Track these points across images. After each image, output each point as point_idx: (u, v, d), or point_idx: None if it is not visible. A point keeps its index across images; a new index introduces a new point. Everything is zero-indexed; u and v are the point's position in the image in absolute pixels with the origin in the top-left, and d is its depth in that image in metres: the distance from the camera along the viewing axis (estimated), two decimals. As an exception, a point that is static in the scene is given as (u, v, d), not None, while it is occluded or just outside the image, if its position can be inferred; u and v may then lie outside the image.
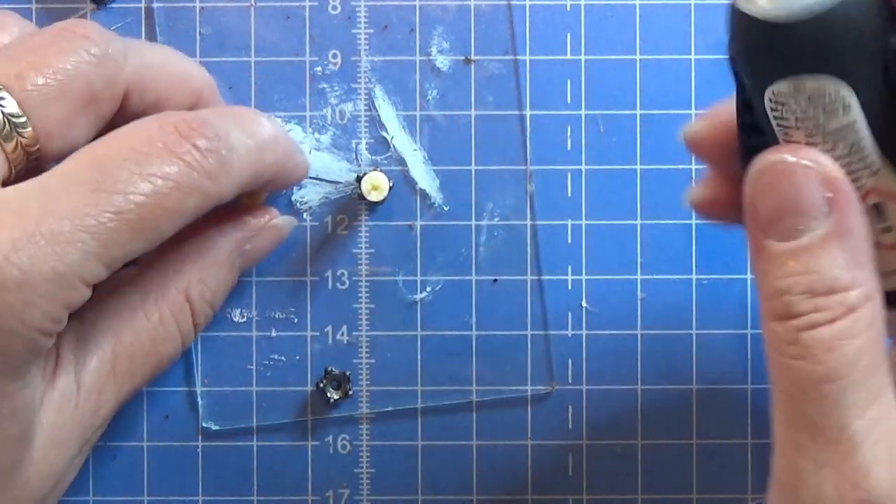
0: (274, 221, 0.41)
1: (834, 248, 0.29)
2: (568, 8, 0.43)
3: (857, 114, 0.28)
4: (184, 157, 0.34)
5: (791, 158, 0.29)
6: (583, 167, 0.42)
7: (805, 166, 0.29)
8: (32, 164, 0.34)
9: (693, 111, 0.42)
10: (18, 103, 0.33)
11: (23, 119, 0.33)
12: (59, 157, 0.34)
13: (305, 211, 0.43)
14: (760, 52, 0.28)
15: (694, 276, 0.42)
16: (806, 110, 0.28)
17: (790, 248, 0.29)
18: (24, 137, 0.34)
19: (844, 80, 0.28)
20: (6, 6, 0.42)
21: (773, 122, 0.29)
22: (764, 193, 0.30)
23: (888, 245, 0.31)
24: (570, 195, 0.43)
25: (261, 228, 0.40)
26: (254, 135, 0.37)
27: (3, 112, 0.33)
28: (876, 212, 0.30)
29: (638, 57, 0.43)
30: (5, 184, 0.33)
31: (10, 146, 0.33)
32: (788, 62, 0.28)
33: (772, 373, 0.30)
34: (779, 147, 0.30)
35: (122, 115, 0.37)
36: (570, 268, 0.43)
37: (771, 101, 0.29)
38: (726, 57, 0.29)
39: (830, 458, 0.29)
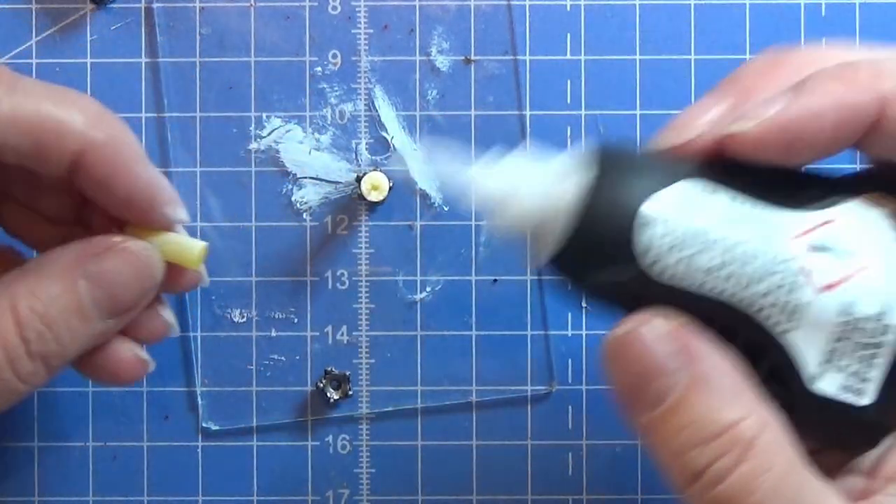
0: (127, 244, 0.35)
1: (702, 394, 0.28)
2: (568, 8, 0.43)
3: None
4: None
5: (625, 331, 0.29)
6: (583, 167, 0.42)
7: (640, 334, 0.29)
8: None
9: (693, 111, 0.42)
10: None
11: None
12: None
13: (305, 211, 0.43)
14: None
15: (694, 276, 0.42)
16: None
17: (664, 412, 0.29)
18: None
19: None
20: (6, 6, 0.42)
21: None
22: (619, 373, 0.29)
23: None
24: (570, 195, 0.42)
25: (108, 248, 0.35)
26: (65, 95, 0.35)
27: None
28: None
29: (638, 57, 0.43)
30: None
31: None
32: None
33: None
34: (615, 326, 0.30)
35: None
36: (570, 268, 0.42)
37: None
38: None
39: None
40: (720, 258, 0.28)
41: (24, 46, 0.42)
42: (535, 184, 0.30)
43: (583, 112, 0.43)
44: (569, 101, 0.43)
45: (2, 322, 0.34)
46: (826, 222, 0.29)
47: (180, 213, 0.36)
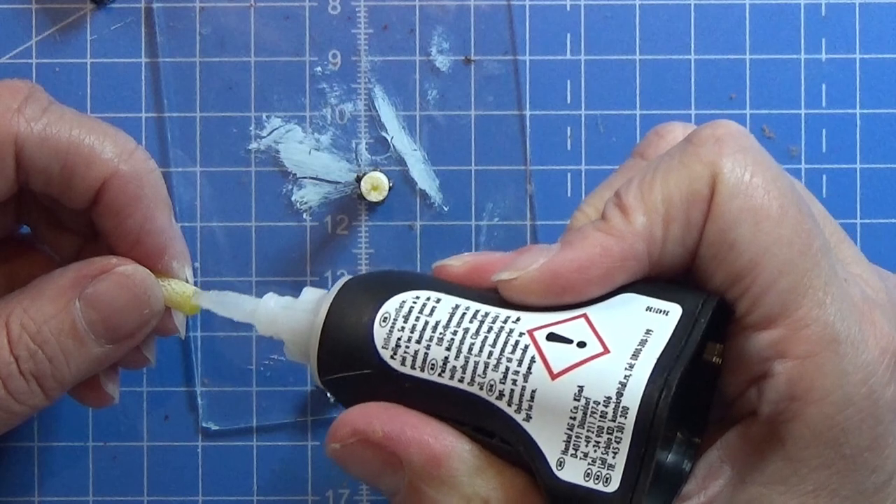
0: (122, 268, 0.35)
1: (424, 489, 0.30)
2: (568, 8, 0.43)
3: None
4: None
5: (343, 438, 0.31)
6: (583, 167, 0.42)
7: (354, 440, 0.30)
8: None
9: (693, 111, 0.42)
10: None
11: None
12: None
13: (305, 211, 0.43)
14: None
15: (694, 276, 0.42)
16: None
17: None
18: None
19: None
20: (6, 6, 0.42)
21: None
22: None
23: None
24: (569, 195, 0.43)
25: (104, 270, 0.35)
26: (100, 125, 0.36)
27: None
28: None
29: (638, 57, 0.43)
30: None
31: None
32: None
33: None
34: (337, 427, 0.31)
35: (20, 176, 0.35)
36: (570, 268, 0.42)
37: None
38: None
39: None
40: (457, 345, 0.30)
41: (24, 46, 0.42)
42: (292, 318, 0.33)
43: (583, 112, 0.43)
44: (569, 101, 0.43)
45: None
46: (575, 317, 0.30)
47: (188, 271, 0.37)
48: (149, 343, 0.38)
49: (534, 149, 0.42)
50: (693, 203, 0.30)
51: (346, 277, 0.32)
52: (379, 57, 0.43)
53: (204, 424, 0.42)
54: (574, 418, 0.28)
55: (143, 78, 0.43)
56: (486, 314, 0.30)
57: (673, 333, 0.29)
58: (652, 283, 0.30)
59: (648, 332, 0.29)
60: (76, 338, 0.34)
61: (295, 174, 0.43)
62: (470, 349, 0.30)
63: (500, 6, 0.43)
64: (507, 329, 0.30)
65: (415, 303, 0.30)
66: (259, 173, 0.43)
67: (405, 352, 0.30)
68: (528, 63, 0.43)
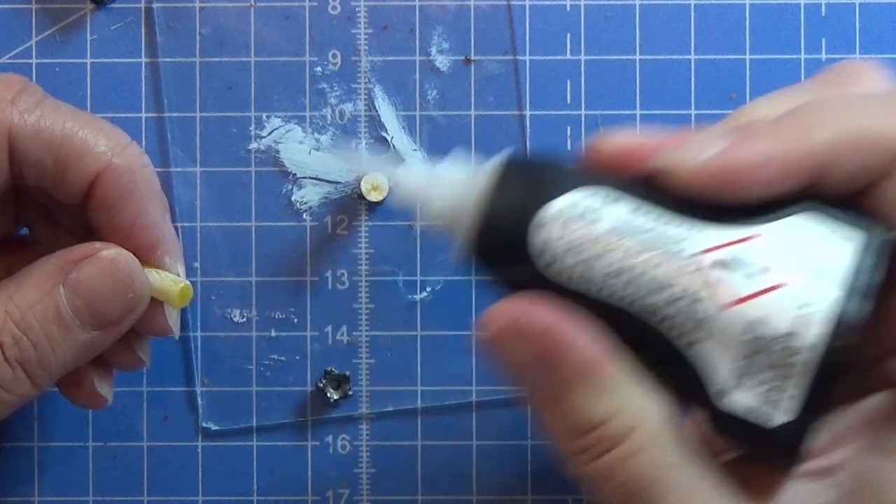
0: (105, 252, 0.35)
1: (579, 388, 0.29)
2: (568, 8, 0.43)
3: None
4: None
5: (509, 318, 0.29)
6: (583, 167, 0.42)
7: (522, 324, 0.29)
8: None
9: (693, 111, 0.42)
10: None
11: None
12: None
13: (305, 211, 0.43)
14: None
15: (694, 276, 0.42)
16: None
17: (541, 401, 0.30)
18: None
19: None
20: (6, 6, 0.42)
21: None
22: (498, 356, 0.30)
23: None
24: (570, 195, 0.42)
25: (87, 255, 0.35)
26: (96, 120, 0.36)
27: None
28: None
29: (638, 57, 0.43)
30: None
31: None
32: None
33: None
34: (500, 307, 0.29)
35: (14, 168, 0.35)
36: (570, 268, 0.42)
37: None
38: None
39: None
40: (618, 265, 0.28)
41: (24, 46, 0.42)
42: (447, 186, 0.31)
43: (583, 112, 0.43)
44: (569, 101, 0.43)
45: None
46: (747, 238, 0.28)
47: (180, 268, 0.37)
48: (142, 344, 0.38)
49: (534, 149, 0.42)
50: (877, 153, 0.28)
51: (503, 155, 0.30)
52: (379, 57, 0.43)
53: (204, 424, 0.42)
54: (742, 351, 0.27)
55: (143, 78, 0.43)
56: (652, 230, 0.28)
57: (858, 264, 0.27)
58: (825, 204, 0.28)
59: (828, 259, 0.27)
60: (61, 323, 0.34)
61: (295, 174, 0.43)
62: (631, 270, 0.28)
63: (500, 6, 0.43)
64: (674, 250, 0.28)
65: (573, 210, 0.28)
66: (259, 173, 0.43)
67: (561, 266, 0.28)
68: (528, 63, 0.43)
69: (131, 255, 0.35)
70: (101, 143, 0.35)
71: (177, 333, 0.38)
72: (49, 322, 0.34)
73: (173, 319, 0.37)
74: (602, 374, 0.28)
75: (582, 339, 0.28)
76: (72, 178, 0.35)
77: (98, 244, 0.35)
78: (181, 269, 0.37)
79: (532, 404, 0.30)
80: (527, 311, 0.29)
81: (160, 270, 0.36)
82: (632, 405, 0.29)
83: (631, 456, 0.28)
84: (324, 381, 0.42)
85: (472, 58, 0.43)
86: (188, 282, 0.36)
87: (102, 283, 0.35)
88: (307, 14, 0.43)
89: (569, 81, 0.43)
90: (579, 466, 0.29)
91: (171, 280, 0.36)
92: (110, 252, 0.35)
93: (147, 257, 0.36)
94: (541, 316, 0.29)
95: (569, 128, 0.43)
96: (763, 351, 0.27)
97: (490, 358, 0.30)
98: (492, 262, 0.30)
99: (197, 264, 0.42)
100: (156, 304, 0.37)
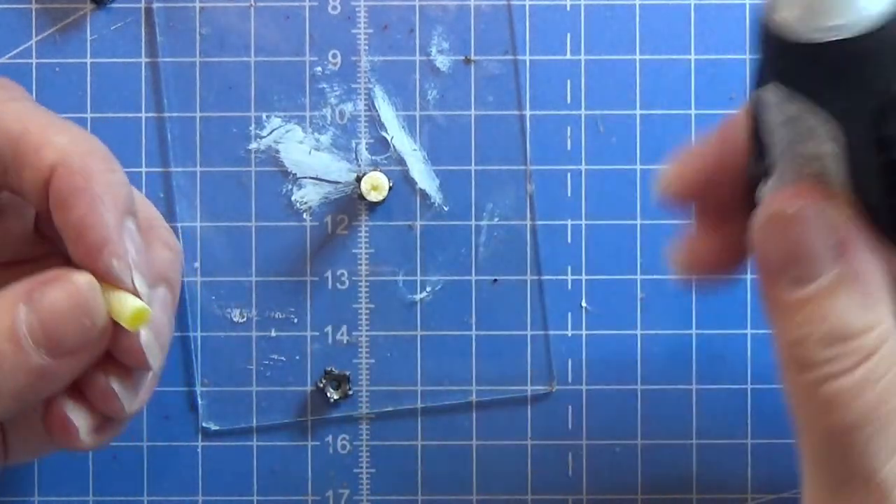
0: (73, 276, 0.33)
1: (844, 293, 0.28)
2: (568, 8, 0.43)
3: (834, 148, 0.28)
4: None
5: (795, 207, 0.29)
6: (582, 167, 0.42)
7: (809, 214, 0.28)
8: None
9: (693, 111, 0.42)
10: None
11: None
12: None
13: (305, 211, 0.43)
14: (786, 67, 0.27)
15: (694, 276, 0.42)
16: (787, 127, 0.28)
17: (800, 298, 0.29)
18: None
19: (837, 113, 0.27)
20: (6, 6, 0.42)
21: (763, 129, 0.29)
22: (770, 242, 0.29)
23: None
24: (569, 195, 0.43)
25: (55, 278, 0.33)
26: (53, 115, 0.35)
27: None
28: None
29: (638, 57, 0.43)
30: None
31: None
32: (795, 77, 0.27)
33: (795, 424, 0.29)
34: (783, 193, 0.29)
35: None
36: (570, 268, 0.43)
37: (764, 103, 0.28)
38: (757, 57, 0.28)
39: None
40: None
41: (24, 46, 0.42)
42: None
43: (583, 112, 0.43)
44: (569, 101, 0.43)
45: None
46: None
47: (136, 277, 0.34)
48: (129, 384, 0.35)
49: (534, 149, 0.42)
50: None
51: None
52: (379, 57, 0.43)
53: (204, 424, 0.42)
54: None
55: (143, 78, 0.43)
56: None
57: None
58: None
59: None
60: (14, 342, 0.33)
61: (295, 174, 0.43)
62: None
63: (500, 6, 0.43)
64: None
65: None
66: (259, 173, 0.43)
67: None
68: (528, 63, 0.43)
69: (96, 282, 0.34)
70: (59, 139, 0.34)
71: (155, 366, 0.35)
72: (3, 339, 0.33)
73: (149, 349, 0.35)
74: (874, 283, 0.28)
75: (864, 246, 0.28)
76: (28, 175, 0.33)
77: (73, 271, 0.34)
78: (137, 279, 0.34)
79: (777, 303, 0.29)
80: (819, 205, 0.28)
81: (122, 292, 0.34)
82: (886, 322, 0.28)
83: (879, 376, 0.28)
84: (324, 381, 0.42)
85: (472, 58, 0.43)
86: (144, 304, 0.34)
87: (61, 305, 0.33)
88: (307, 14, 0.43)
89: (569, 81, 0.43)
90: (818, 383, 0.28)
91: (129, 301, 0.34)
92: (78, 277, 0.33)
93: (95, 259, 0.34)
94: (833, 214, 0.28)
95: (569, 128, 0.43)
96: None
97: (765, 240, 0.29)
98: (830, 77, 0.26)
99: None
100: (126, 330, 0.34)
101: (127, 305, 0.33)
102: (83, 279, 0.33)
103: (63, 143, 0.34)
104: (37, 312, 0.33)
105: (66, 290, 0.33)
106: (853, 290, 0.28)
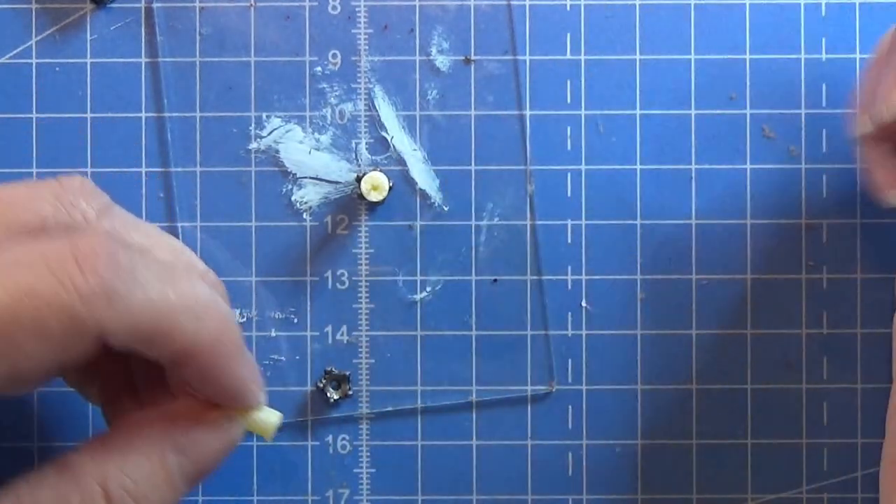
0: (222, 422, 0.36)
1: None
2: (568, 8, 0.43)
3: None
4: (54, 268, 0.31)
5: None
6: (583, 167, 0.42)
7: None
8: None
9: (693, 111, 0.42)
10: None
11: None
12: None
13: (305, 211, 0.43)
14: None
15: (694, 276, 0.42)
16: None
17: None
18: None
19: None
20: (6, 6, 0.42)
21: None
22: None
23: None
24: (570, 195, 0.43)
25: (200, 421, 0.36)
26: (177, 287, 0.33)
27: None
28: None
29: (638, 57, 0.43)
30: None
31: None
32: None
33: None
34: None
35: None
36: (570, 268, 0.43)
37: None
38: None
39: None
40: None
41: (24, 46, 0.42)
42: None
43: (583, 112, 0.43)
44: (569, 101, 0.43)
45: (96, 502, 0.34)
46: None
47: (264, 398, 0.37)
48: (222, 417, 0.38)
49: (534, 149, 0.42)
50: None
51: None
52: (379, 57, 0.43)
53: (204, 424, 0.42)
54: None
55: (143, 78, 0.43)
56: None
57: None
58: None
59: None
60: (171, 487, 0.35)
61: (295, 174, 0.43)
62: None
63: (500, 6, 0.43)
64: None
65: None
66: (259, 173, 0.43)
67: None
68: (528, 63, 0.43)
69: (235, 414, 0.37)
70: (188, 322, 0.34)
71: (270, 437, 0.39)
72: (161, 489, 0.35)
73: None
74: None
75: None
76: (157, 354, 0.34)
77: (201, 407, 0.36)
78: (265, 397, 0.37)
79: None
80: None
81: (256, 412, 0.37)
82: None
83: None
84: (324, 381, 0.42)
85: (472, 58, 0.43)
86: (280, 414, 0.38)
87: (213, 448, 0.36)
88: (307, 14, 0.43)
89: (569, 81, 0.43)
90: None
91: (266, 420, 0.38)
92: (230, 423, 0.36)
93: (235, 404, 0.37)
94: None
95: (569, 128, 0.43)
96: None
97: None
98: None
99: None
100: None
101: (267, 424, 0.38)
102: (232, 423, 0.37)
103: (192, 327, 0.34)
104: (191, 459, 0.36)
105: (218, 435, 0.36)
106: None
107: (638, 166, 0.42)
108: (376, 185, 0.42)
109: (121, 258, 0.32)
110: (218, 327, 0.35)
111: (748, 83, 0.42)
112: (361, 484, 0.43)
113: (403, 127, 0.43)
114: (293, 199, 0.43)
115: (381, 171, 0.42)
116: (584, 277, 0.42)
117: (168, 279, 0.33)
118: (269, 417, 0.38)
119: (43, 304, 0.31)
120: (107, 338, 0.32)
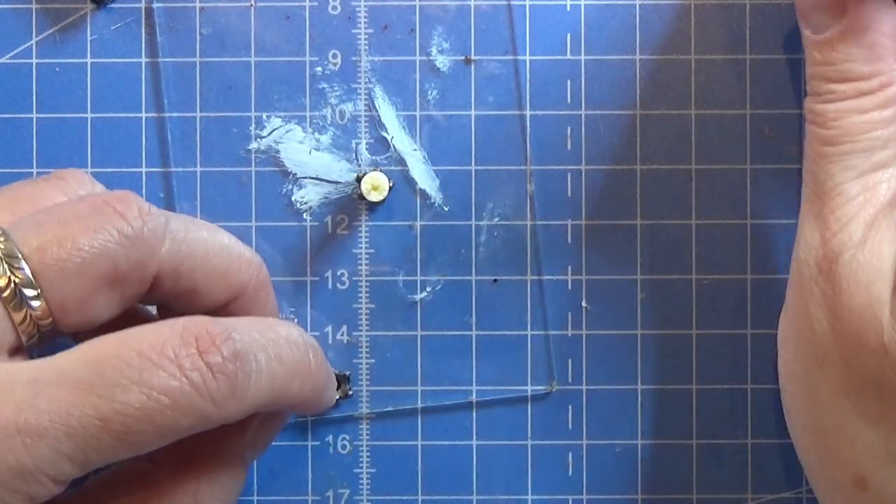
0: (279, 414, 0.39)
1: (850, 44, 0.35)
2: (568, 8, 0.43)
3: None
4: (191, 376, 0.32)
5: None
6: (583, 167, 0.42)
7: None
8: (48, 334, 0.33)
9: (693, 111, 0.42)
10: (34, 275, 0.32)
11: (35, 292, 0.32)
12: (78, 331, 0.34)
13: (305, 211, 0.43)
14: None
15: (694, 276, 0.42)
16: None
17: (815, 41, 0.36)
18: (34, 310, 0.32)
19: None
20: (6, 6, 0.42)
21: None
22: None
23: None
24: (570, 195, 0.43)
25: (264, 420, 0.38)
26: (285, 361, 0.35)
27: (15, 282, 0.32)
28: None
29: (638, 57, 0.43)
30: (15, 352, 0.33)
31: (19, 316, 0.32)
32: None
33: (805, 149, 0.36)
34: None
35: (152, 295, 0.35)
36: (570, 268, 0.43)
37: None
38: None
39: (821, 209, 0.36)
40: None
41: (24, 46, 0.42)
42: None
43: (583, 112, 0.43)
44: (569, 101, 0.43)
45: None
46: None
47: None
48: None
49: (534, 149, 0.42)
50: None
51: None
52: (379, 57, 0.43)
53: (204, 424, 0.42)
54: None
55: (143, 78, 0.43)
56: None
57: None
58: None
59: None
60: (244, 478, 0.38)
61: (295, 174, 0.43)
62: None
63: (500, 6, 0.43)
64: None
65: None
66: (259, 173, 0.43)
67: None
68: (528, 63, 0.43)
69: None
70: (242, 269, 0.37)
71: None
72: (239, 485, 0.38)
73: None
74: (881, 39, 0.36)
75: (871, 3, 0.35)
76: (204, 302, 0.36)
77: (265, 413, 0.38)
78: None
79: (805, 41, 0.37)
80: None
81: None
82: (889, 73, 0.36)
83: (866, 110, 0.36)
84: (324, 381, 0.42)
85: (472, 58, 0.43)
86: None
87: (275, 434, 0.39)
88: (307, 14, 0.43)
89: (569, 81, 0.43)
90: (817, 103, 0.37)
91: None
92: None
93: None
94: None
95: (569, 128, 0.43)
96: None
97: None
98: None
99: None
100: None
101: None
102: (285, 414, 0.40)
103: (245, 261, 0.38)
104: (260, 448, 0.39)
105: (279, 425, 0.40)
106: (858, 43, 0.35)
107: (638, 166, 0.42)
108: (376, 185, 0.42)
109: (242, 342, 0.33)
110: (317, 381, 0.37)
111: (748, 83, 0.42)
112: (361, 484, 0.43)
113: (403, 127, 0.43)
114: (293, 199, 0.43)
115: (381, 171, 0.42)
116: (584, 277, 0.42)
117: (277, 346, 0.35)
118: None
119: (179, 415, 0.32)
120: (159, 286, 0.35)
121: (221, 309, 0.37)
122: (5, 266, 0.32)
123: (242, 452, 0.37)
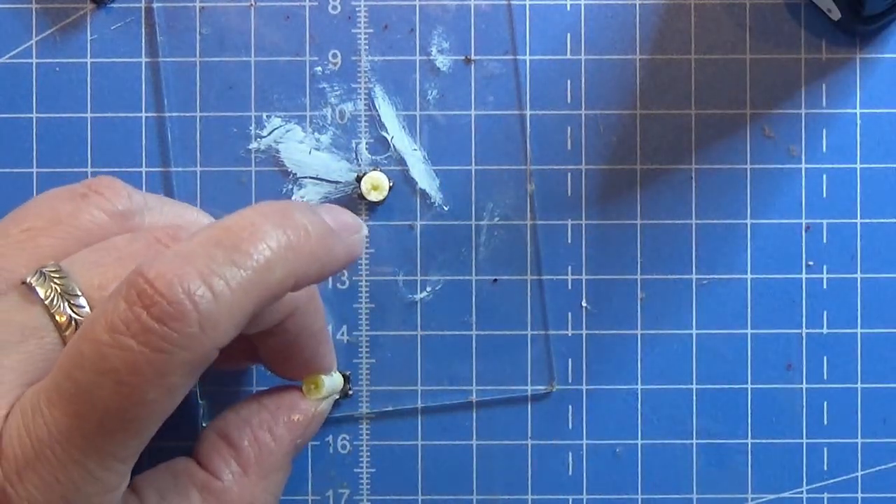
0: (321, 407, 0.40)
1: None
2: (568, 8, 0.43)
3: None
4: (148, 340, 0.30)
5: None
6: (583, 167, 0.42)
7: None
8: None
9: (693, 111, 0.42)
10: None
11: None
12: None
13: (305, 211, 0.43)
14: None
15: (694, 276, 0.42)
16: None
17: None
18: None
19: None
20: (6, 6, 0.42)
21: None
22: None
23: None
24: (570, 195, 0.43)
25: (311, 421, 0.39)
26: (247, 261, 0.31)
27: (76, 320, 0.32)
28: None
29: (638, 57, 0.43)
30: None
31: None
32: None
33: None
34: None
35: None
36: (570, 268, 0.43)
37: None
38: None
39: None
40: None
41: (24, 46, 0.43)
42: None
43: (583, 112, 0.43)
44: (569, 100, 0.43)
45: None
46: None
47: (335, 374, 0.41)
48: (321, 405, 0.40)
49: (534, 149, 0.43)
50: None
51: None
52: (379, 57, 0.43)
53: (204, 424, 0.42)
54: None
55: (143, 78, 0.43)
56: None
57: None
58: None
59: None
60: (290, 471, 0.39)
61: (295, 174, 0.43)
62: None
63: (500, 6, 0.43)
64: None
65: None
66: (259, 173, 0.43)
67: None
68: (528, 63, 0.43)
69: (321, 382, 0.40)
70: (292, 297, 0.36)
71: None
72: (286, 480, 0.39)
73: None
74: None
75: None
76: (267, 320, 0.36)
77: (313, 406, 0.39)
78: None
79: None
80: None
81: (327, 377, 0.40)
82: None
83: None
84: (324, 381, 0.42)
85: (472, 58, 0.43)
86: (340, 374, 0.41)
87: (319, 421, 0.40)
88: (307, 14, 0.43)
89: (569, 81, 0.43)
90: None
91: (336, 377, 0.41)
92: (328, 402, 0.40)
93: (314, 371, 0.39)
94: None
95: (569, 128, 0.43)
96: None
97: None
98: None
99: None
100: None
101: (339, 381, 0.41)
102: (325, 397, 0.40)
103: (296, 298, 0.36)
104: (306, 439, 0.40)
105: (320, 422, 0.40)
106: None
107: (638, 166, 0.42)
108: (376, 185, 0.42)
109: (187, 273, 0.30)
110: (307, 249, 0.33)
111: (748, 83, 0.42)
112: (361, 484, 0.43)
113: (403, 127, 0.43)
114: (293, 198, 0.43)
115: (381, 171, 0.42)
116: (584, 277, 0.42)
117: (234, 250, 0.32)
118: (338, 377, 0.40)
119: (161, 378, 0.31)
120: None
121: (277, 325, 0.36)
122: (65, 304, 0.32)
123: (289, 456, 0.39)
